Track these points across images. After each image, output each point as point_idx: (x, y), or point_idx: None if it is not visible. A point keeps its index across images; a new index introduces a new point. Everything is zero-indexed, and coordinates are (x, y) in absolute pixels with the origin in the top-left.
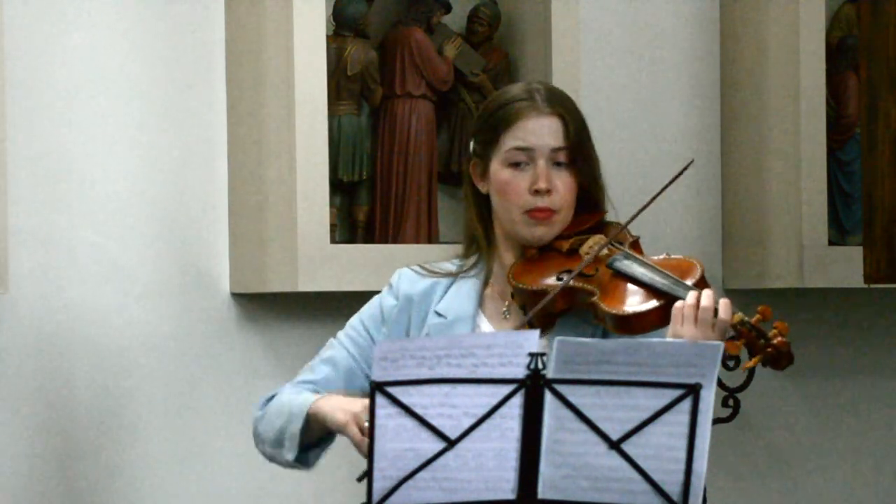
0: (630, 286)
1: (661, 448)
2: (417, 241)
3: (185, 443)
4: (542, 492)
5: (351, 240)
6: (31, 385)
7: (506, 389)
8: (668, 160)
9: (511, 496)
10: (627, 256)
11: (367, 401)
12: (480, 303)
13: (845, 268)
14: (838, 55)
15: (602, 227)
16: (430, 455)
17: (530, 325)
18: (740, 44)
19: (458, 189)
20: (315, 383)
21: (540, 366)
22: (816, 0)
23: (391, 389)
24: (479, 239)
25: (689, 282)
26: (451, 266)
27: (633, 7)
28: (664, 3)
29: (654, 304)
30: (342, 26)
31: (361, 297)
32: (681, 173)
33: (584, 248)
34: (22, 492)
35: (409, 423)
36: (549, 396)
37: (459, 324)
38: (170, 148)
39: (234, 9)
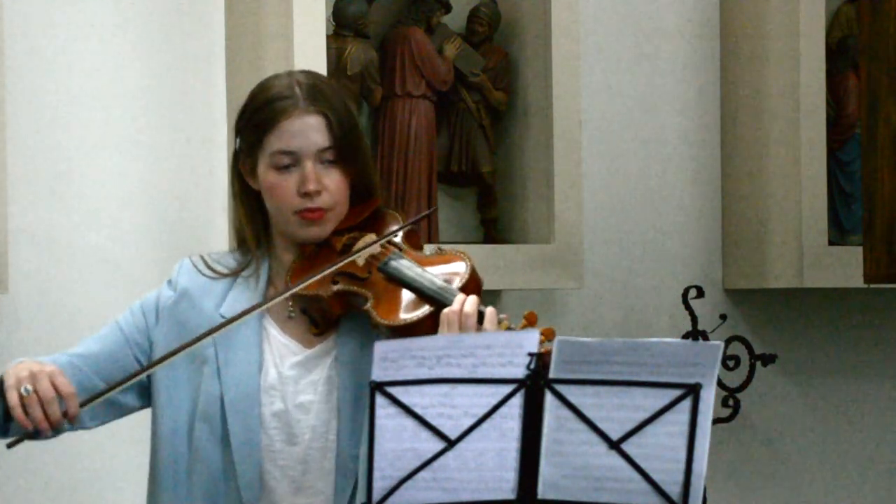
0: (402, 291)
1: (661, 448)
2: None
3: None
4: (542, 492)
5: None
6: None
7: (506, 389)
8: (669, 160)
9: (511, 496)
10: (399, 258)
11: (51, 366)
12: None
13: (845, 268)
14: (838, 55)
15: (378, 217)
16: (430, 455)
17: (317, 331)
18: (740, 43)
19: (459, 189)
20: (72, 355)
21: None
22: (816, 0)
23: (391, 389)
24: (249, 240)
25: (455, 284)
26: (232, 261)
27: (633, 7)
28: (664, 4)
29: (425, 311)
30: (342, 26)
31: None
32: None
33: (357, 247)
34: (20, 492)
35: (409, 423)
36: (549, 396)
37: (245, 325)
38: (170, 148)
39: (234, 9)
